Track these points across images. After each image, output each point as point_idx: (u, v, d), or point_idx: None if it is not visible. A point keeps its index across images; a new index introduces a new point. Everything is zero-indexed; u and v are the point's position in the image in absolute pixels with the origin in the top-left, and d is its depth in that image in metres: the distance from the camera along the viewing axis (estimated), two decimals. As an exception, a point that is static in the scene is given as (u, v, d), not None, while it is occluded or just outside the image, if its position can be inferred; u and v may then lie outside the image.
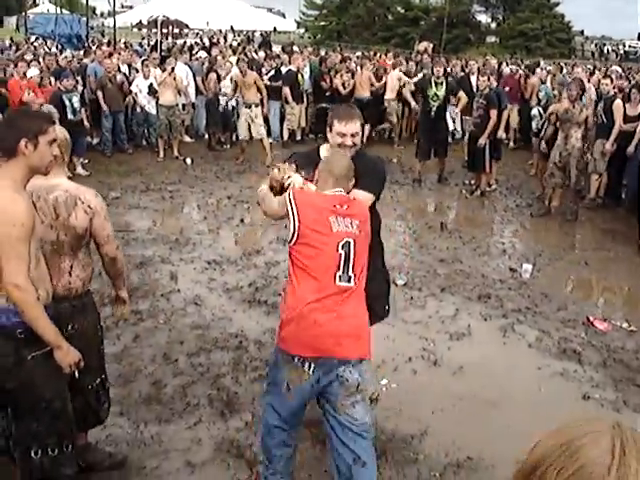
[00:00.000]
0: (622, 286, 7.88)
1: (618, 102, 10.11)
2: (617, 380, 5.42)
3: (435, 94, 11.27)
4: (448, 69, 15.34)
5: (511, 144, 14.60)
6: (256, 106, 12.51)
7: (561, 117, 9.55)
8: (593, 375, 5.49)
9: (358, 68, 15.41)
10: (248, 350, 5.56)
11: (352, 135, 3.80)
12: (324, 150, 3.97)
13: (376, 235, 3.87)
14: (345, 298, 3.37)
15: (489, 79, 10.83)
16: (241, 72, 12.63)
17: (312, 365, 3.33)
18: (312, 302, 3.32)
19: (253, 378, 5.13)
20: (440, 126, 11.56)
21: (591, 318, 6.53)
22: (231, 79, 13.24)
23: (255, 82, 12.54)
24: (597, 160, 10.28)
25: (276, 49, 23.25)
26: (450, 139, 13.42)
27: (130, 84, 13.15)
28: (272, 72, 14.57)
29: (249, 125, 12.46)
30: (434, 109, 11.29)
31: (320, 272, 3.36)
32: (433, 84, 11.31)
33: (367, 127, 13.14)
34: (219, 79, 13.64)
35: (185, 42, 26.82)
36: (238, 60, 14.17)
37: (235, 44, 24.45)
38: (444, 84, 11.42)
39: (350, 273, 3.39)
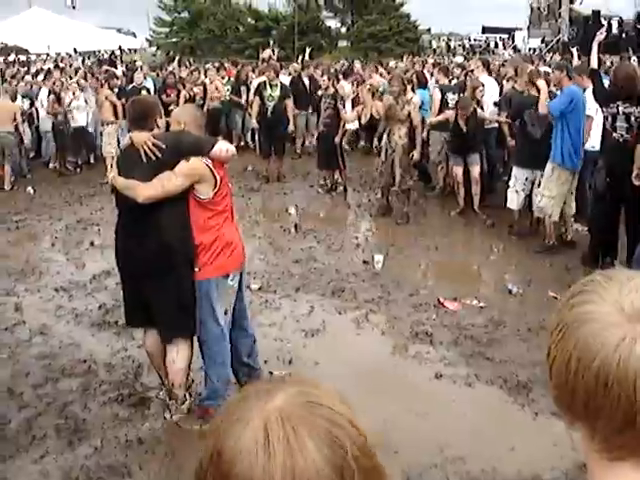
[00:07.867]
0: (470, 265, 8.16)
1: (434, 92, 10.42)
2: (468, 356, 5.58)
3: (270, 95, 11.99)
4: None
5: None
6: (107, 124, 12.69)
7: (386, 113, 9.40)
8: (445, 354, 5.63)
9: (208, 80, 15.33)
10: (97, 374, 5.36)
11: None
12: None
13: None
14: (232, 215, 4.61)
15: (329, 79, 11.11)
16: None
17: (235, 277, 4.52)
18: (229, 230, 4.47)
19: (102, 401, 4.94)
20: (278, 125, 12.18)
21: (442, 299, 6.71)
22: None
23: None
24: (432, 151, 10.54)
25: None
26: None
27: None
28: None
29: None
30: (270, 109, 11.99)
31: (229, 203, 4.49)
32: (269, 86, 12.00)
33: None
34: (59, 101, 13.16)
35: (29, 69, 25.76)
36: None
37: (81, 66, 23.73)
38: (279, 86, 12.12)
39: None
